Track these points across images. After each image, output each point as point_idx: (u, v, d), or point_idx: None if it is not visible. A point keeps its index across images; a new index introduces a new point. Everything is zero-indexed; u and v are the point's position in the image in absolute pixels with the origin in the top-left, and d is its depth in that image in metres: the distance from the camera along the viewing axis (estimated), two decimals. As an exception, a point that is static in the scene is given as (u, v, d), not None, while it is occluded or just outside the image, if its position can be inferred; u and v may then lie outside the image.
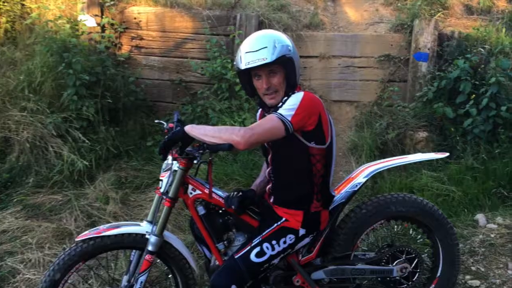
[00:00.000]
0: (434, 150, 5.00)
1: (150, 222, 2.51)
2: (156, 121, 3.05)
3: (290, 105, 2.24)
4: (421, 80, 5.48)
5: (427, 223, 2.72)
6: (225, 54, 5.87)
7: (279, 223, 2.44)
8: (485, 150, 4.62)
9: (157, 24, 6.24)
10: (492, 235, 3.58)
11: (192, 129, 2.26)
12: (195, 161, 2.33)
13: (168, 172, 2.46)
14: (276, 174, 2.46)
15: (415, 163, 4.46)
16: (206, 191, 2.49)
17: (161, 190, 2.47)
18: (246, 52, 2.34)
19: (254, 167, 4.78)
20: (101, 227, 2.49)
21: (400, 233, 2.95)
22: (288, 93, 2.38)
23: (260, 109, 2.64)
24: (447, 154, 2.78)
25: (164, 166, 2.53)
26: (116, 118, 5.58)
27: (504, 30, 5.76)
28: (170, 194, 2.45)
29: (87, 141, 4.92)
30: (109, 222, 4.14)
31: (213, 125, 5.45)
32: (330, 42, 5.97)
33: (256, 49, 2.32)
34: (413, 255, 2.71)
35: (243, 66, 2.34)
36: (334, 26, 6.47)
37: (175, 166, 2.45)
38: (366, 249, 2.87)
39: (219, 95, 5.86)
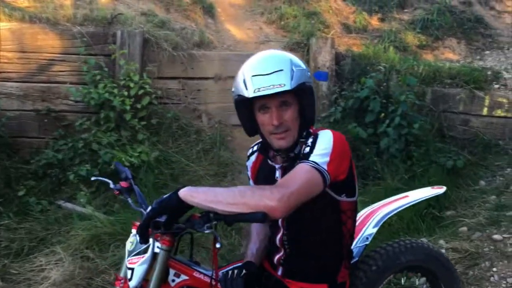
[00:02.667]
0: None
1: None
2: (93, 178, 2.20)
3: (323, 149, 1.68)
4: (325, 100, 5.30)
5: (433, 269, 2.37)
6: (107, 77, 4.99)
7: (298, 303, 1.85)
8: (404, 169, 4.58)
9: (13, 43, 5.06)
10: (448, 262, 3.43)
11: (194, 194, 1.56)
12: (217, 245, 1.59)
13: (144, 257, 1.69)
14: (293, 241, 1.86)
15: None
16: (196, 274, 1.79)
17: (133, 284, 1.70)
18: (254, 76, 1.73)
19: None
20: None
21: (407, 286, 2.58)
22: (301, 133, 1.82)
23: (256, 154, 2.02)
24: (445, 188, 2.49)
25: (130, 247, 1.75)
26: (-29, 164, 4.32)
27: (391, 48, 5.92)
28: (152, 288, 1.68)
29: None
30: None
31: (105, 163, 4.56)
32: (225, 62, 5.48)
33: (268, 71, 1.72)
34: (425, 309, 2.35)
35: (250, 93, 1.72)
36: (223, 45, 6.01)
37: (156, 247, 1.69)
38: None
39: (102, 125, 4.95)
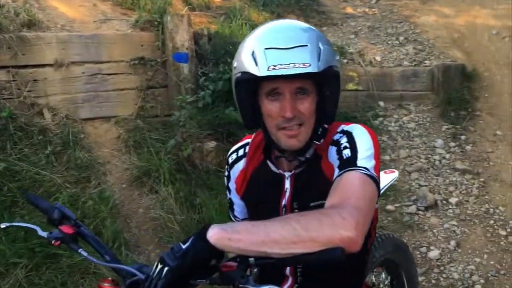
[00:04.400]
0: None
1: None
2: (3, 225, 1.43)
3: (367, 150, 1.34)
4: (189, 83, 4.85)
5: (397, 259, 2.24)
6: None
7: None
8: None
9: None
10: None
11: (233, 237, 1.06)
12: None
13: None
14: (310, 268, 1.46)
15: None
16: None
17: None
18: (268, 49, 1.27)
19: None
20: None
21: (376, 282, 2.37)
22: (316, 132, 1.43)
23: (244, 160, 1.55)
24: (397, 172, 2.36)
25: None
26: None
27: (245, 27, 5.71)
28: None
29: None
30: None
31: None
32: (66, 45, 4.59)
33: (289, 45, 1.28)
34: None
35: (262, 71, 1.26)
36: (57, 25, 5.04)
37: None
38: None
39: None
